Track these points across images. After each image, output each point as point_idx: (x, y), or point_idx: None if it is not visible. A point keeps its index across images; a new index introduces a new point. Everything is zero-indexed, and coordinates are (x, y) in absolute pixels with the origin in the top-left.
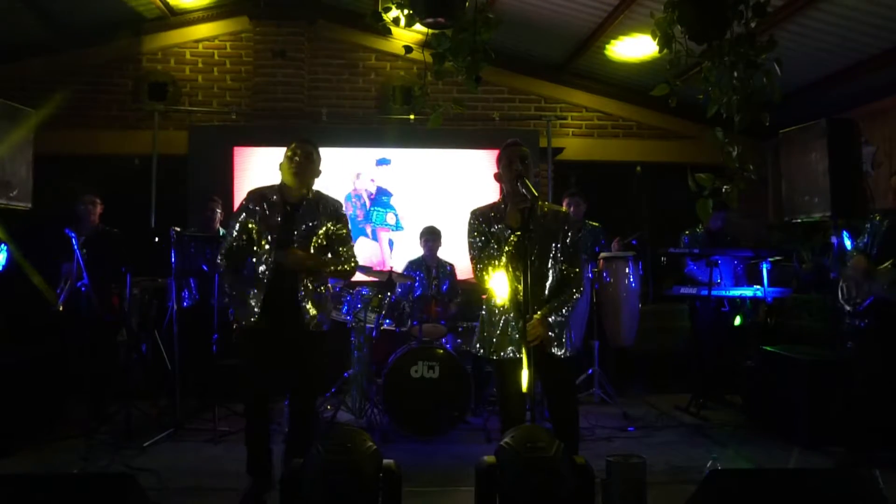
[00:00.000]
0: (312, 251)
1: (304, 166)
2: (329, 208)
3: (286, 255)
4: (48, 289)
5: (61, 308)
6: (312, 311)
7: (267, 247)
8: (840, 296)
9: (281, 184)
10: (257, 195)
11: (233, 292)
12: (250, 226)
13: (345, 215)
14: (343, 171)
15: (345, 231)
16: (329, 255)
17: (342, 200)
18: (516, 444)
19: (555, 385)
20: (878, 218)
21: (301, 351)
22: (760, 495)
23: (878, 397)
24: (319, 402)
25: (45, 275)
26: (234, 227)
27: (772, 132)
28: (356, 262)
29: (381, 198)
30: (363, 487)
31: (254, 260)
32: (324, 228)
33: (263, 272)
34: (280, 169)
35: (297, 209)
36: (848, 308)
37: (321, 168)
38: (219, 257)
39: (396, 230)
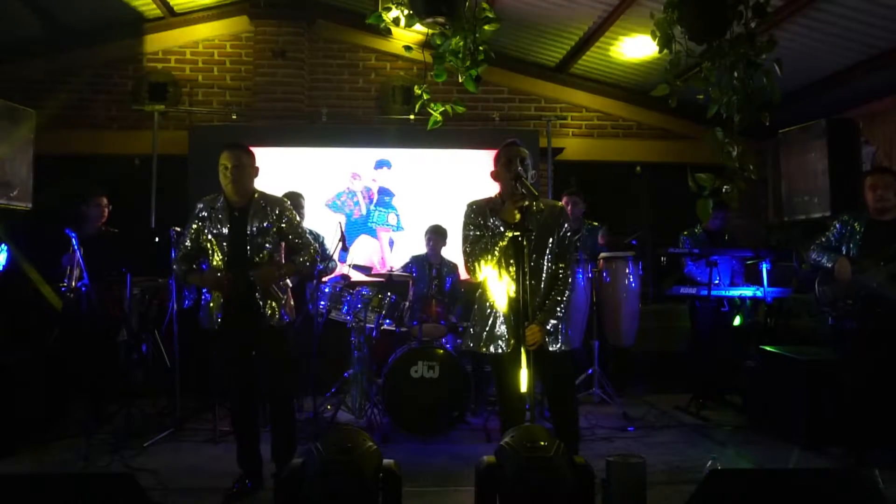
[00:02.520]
0: (268, 250)
1: (237, 175)
2: (275, 206)
3: (256, 276)
4: (50, 292)
5: (71, 295)
6: (271, 306)
7: (219, 255)
8: (820, 299)
9: (224, 192)
10: (207, 203)
11: (197, 294)
12: (205, 233)
13: (290, 207)
14: (342, 172)
15: (294, 222)
16: (286, 252)
17: (334, 199)
18: (516, 444)
19: (553, 381)
20: (847, 219)
21: (265, 346)
22: (760, 495)
23: (872, 397)
24: (319, 402)
25: (45, 275)
26: (188, 235)
27: (772, 132)
28: (313, 247)
29: (382, 198)
30: (363, 487)
31: (212, 265)
32: (275, 227)
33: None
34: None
35: (245, 212)
36: (830, 311)
37: (258, 166)
38: (174, 264)
39: (397, 230)
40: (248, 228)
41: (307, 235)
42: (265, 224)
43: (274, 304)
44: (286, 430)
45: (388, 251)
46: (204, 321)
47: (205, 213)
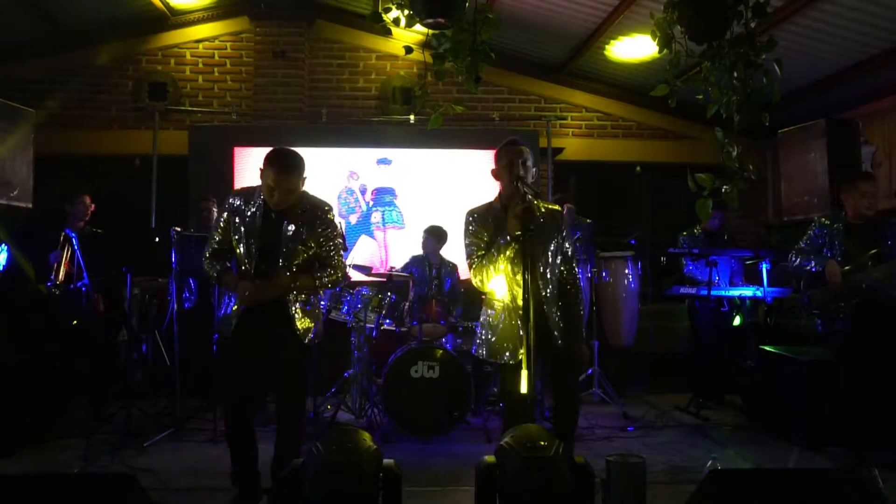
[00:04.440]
0: (302, 259)
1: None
2: (317, 212)
3: (272, 284)
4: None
5: (57, 292)
6: (305, 324)
7: (247, 256)
8: (810, 303)
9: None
10: (243, 195)
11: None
12: (236, 227)
13: (333, 219)
14: (342, 172)
15: (333, 235)
16: (316, 265)
17: (335, 201)
18: (516, 444)
19: (561, 377)
20: (825, 222)
21: (289, 361)
22: (760, 495)
23: (870, 398)
24: (319, 402)
25: (43, 274)
26: (219, 228)
27: (772, 132)
28: (343, 268)
29: (383, 197)
30: (363, 487)
31: (242, 268)
32: (314, 235)
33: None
34: (260, 179)
35: (283, 214)
36: (820, 314)
37: (305, 176)
38: (205, 262)
39: (401, 228)
40: (285, 230)
41: (340, 254)
42: (302, 229)
43: (307, 319)
44: (291, 453)
45: (390, 251)
46: (223, 326)
47: (238, 205)
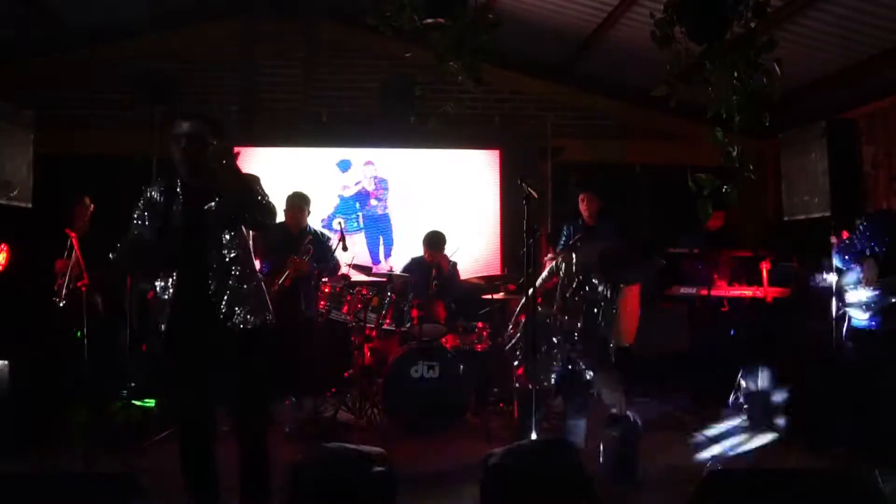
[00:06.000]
0: (230, 230)
1: (192, 155)
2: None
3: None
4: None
5: (62, 304)
6: (231, 308)
7: (173, 249)
8: (845, 296)
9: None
10: (159, 184)
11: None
12: (154, 218)
13: (256, 177)
14: (342, 172)
15: (257, 183)
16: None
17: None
18: (517, 446)
19: None
20: (869, 220)
21: (230, 360)
22: (760, 495)
23: (883, 397)
24: (319, 402)
25: (44, 274)
26: (134, 223)
27: (772, 132)
28: (274, 208)
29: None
30: (362, 488)
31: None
32: (239, 196)
33: (165, 287)
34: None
35: (204, 190)
36: (853, 310)
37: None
38: (115, 254)
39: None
40: (208, 207)
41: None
42: (224, 195)
43: (231, 304)
44: (260, 479)
45: (391, 250)
46: (150, 335)
47: (155, 196)
